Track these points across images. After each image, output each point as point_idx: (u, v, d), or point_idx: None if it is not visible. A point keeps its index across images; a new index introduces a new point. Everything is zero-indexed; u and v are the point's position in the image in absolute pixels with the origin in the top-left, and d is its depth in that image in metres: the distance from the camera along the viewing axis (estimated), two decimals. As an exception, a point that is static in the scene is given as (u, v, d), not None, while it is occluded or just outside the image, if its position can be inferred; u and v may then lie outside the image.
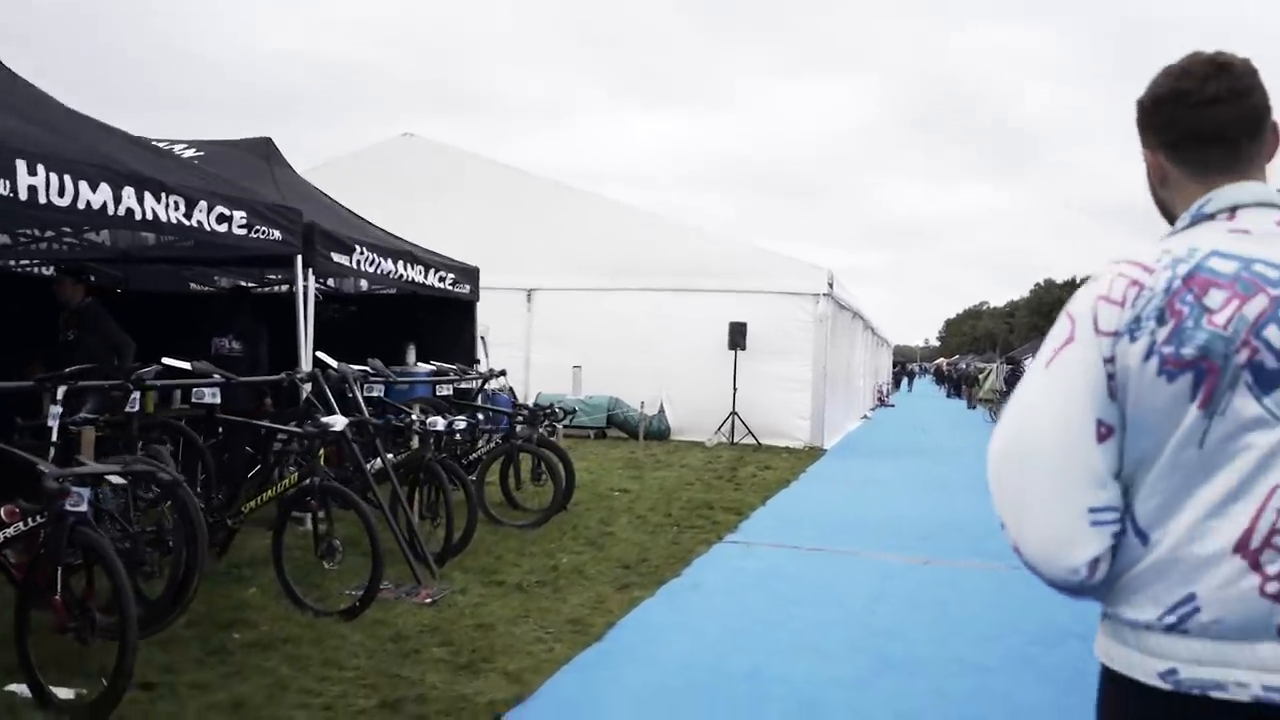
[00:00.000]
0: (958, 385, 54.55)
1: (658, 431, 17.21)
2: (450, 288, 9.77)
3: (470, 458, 8.24)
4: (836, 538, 8.32)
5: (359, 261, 8.13)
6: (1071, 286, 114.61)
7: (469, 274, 10.28)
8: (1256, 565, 1.38)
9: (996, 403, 28.23)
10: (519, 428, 8.53)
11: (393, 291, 10.69)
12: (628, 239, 17.70)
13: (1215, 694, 1.39)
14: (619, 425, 17.24)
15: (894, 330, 48.76)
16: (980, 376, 45.79)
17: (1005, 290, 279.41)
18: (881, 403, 36.12)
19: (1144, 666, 1.46)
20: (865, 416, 27.98)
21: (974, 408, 29.92)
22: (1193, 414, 1.41)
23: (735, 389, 16.73)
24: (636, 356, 17.47)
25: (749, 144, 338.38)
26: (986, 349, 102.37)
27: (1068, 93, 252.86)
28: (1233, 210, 1.50)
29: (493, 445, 8.35)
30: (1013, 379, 28.13)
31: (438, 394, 9.64)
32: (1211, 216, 1.51)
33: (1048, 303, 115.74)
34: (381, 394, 7.53)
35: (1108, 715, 1.56)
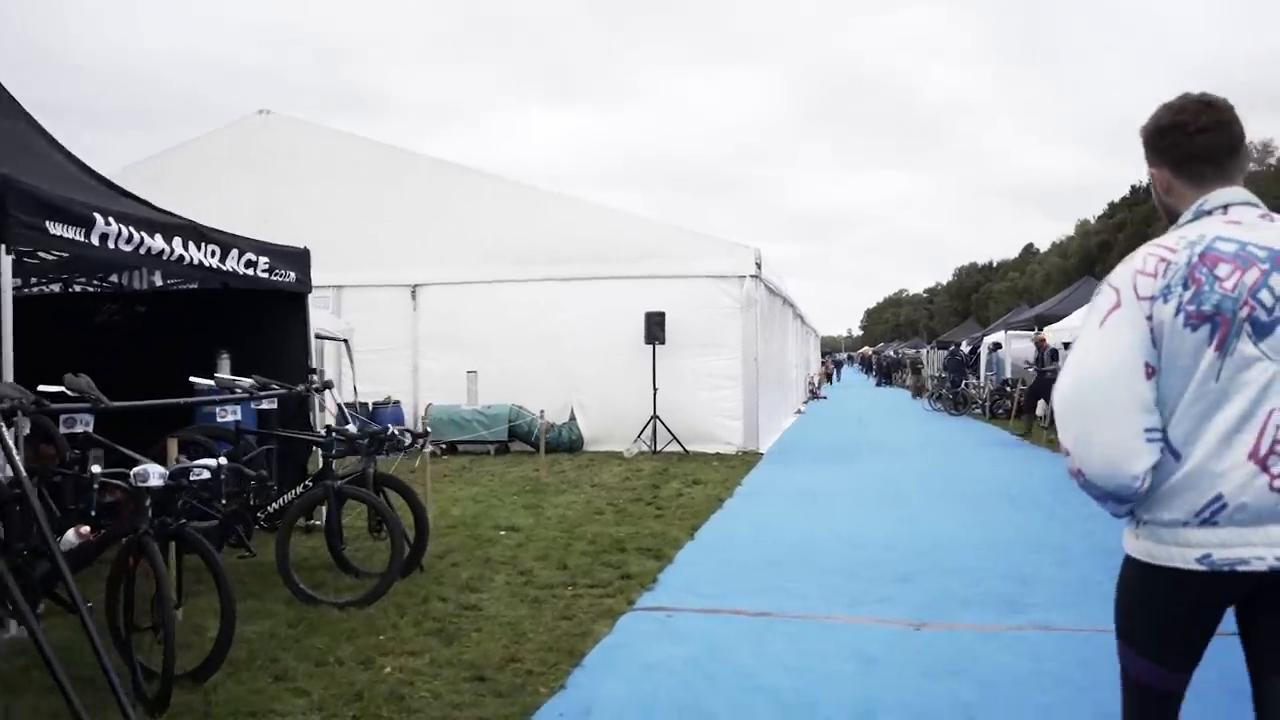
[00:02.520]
0: (887, 373, 53.42)
1: (568, 443, 14.90)
2: (265, 275, 7.33)
3: (270, 509, 5.83)
4: (789, 587, 6.14)
5: (106, 237, 5.63)
6: (990, 270, 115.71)
7: (293, 259, 7.85)
8: (1265, 468, 1.95)
9: (937, 389, 26.57)
10: (353, 458, 6.16)
11: (195, 286, 8.24)
12: (524, 222, 15.36)
13: (1240, 568, 1.95)
14: (523, 438, 14.89)
15: (818, 321, 47.15)
16: (913, 363, 44.55)
17: (922, 277, 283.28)
18: (814, 395, 34.39)
19: (1183, 556, 2.00)
20: (799, 411, 26.08)
21: (920, 397, 28.16)
22: (1210, 355, 1.99)
23: (655, 389, 14.51)
24: (540, 357, 15.17)
25: (657, 138, 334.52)
26: (909, 335, 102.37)
27: (967, 76, 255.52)
28: (1226, 207, 2.11)
29: (301, 491, 5.92)
30: (951, 363, 26.50)
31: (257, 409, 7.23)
32: (1210, 212, 2.11)
33: (968, 286, 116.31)
34: (89, 428, 5.02)
35: (1141, 595, 2.11)
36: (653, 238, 15.05)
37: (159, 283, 8.42)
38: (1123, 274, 2.08)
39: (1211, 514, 1.98)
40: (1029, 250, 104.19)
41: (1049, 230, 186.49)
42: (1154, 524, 2.04)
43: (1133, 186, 74.67)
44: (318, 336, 11.31)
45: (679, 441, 14.54)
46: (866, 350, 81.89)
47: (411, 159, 16.04)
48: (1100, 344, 2.05)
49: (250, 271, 7.15)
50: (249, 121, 16.28)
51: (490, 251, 15.34)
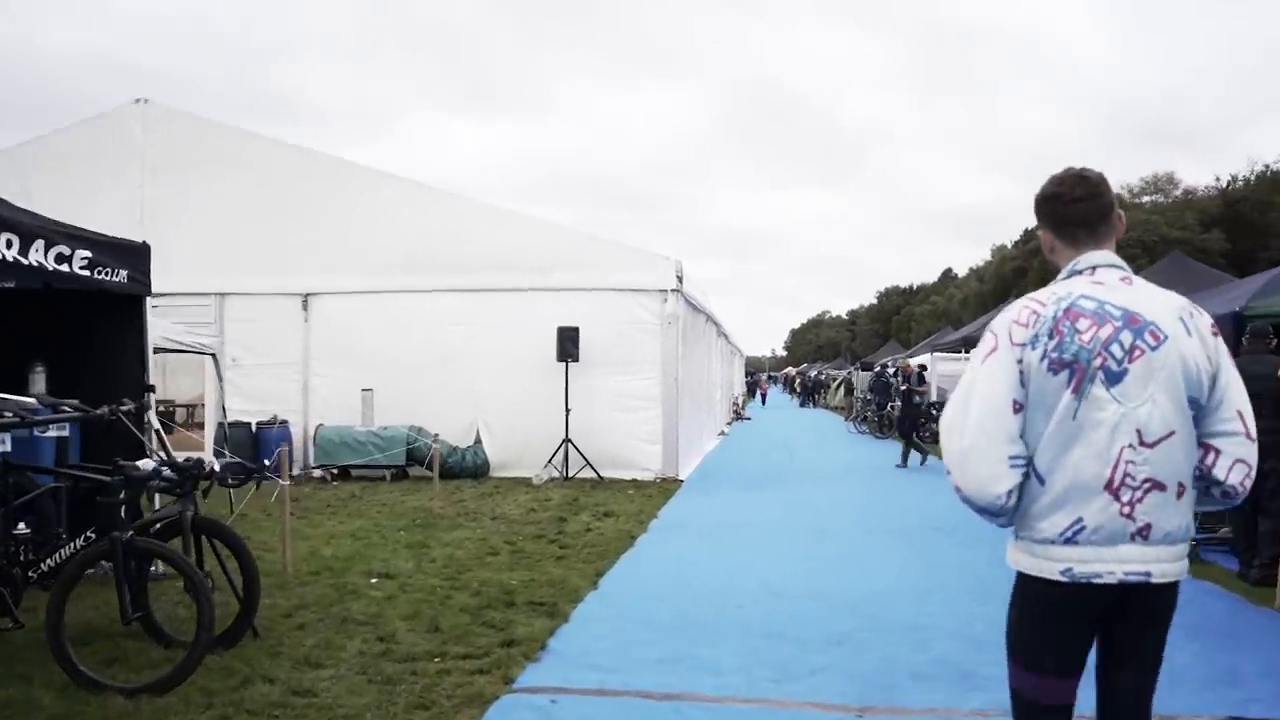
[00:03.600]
0: (811, 394, 53.15)
1: (472, 468, 13.71)
2: (84, 273, 6.07)
3: (48, 564, 4.58)
4: (704, 655, 5.11)
5: None
6: (910, 293, 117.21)
7: (125, 253, 6.59)
8: (1117, 497, 2.26)
9: (862, 411, 25.96)
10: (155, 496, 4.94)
11: (10, 284, 6.89)
12: (428, 228, 14.18)
13: (1095, 580, 2.27)
14: (422, 462, 13.65)
15: (742, 340, 46.55)
16: (834, 385, 44.26)
17: (844, 298, 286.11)
18: (738, 416, 33.65)
19: (1050, 568, 2.31)
20: (722, 432, 25.24)
21: (852, 420, 27.32)
22: (1068, 397, 2.28)
23: (568, 410, 13.43)
24: (443, 375, 13.98)
25: (579, 152, 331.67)
26: (832, 356, 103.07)
27: (887, 100, 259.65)
28: (1094, 269, 2.42)
29: (85, 546, 4.65)
30: (877, 385, 25.95)
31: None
32: (1080, 272, 2.42)
33: (889, 309, 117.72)
34: None
35: (1022, 606, 2.42)
36: (567, 247, 14.00)
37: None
38: (1001, 322, 2.38)
39: (1073, 534, 2.27)
40: (948, 274, 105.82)
41: (967, 255, 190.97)
42: (1028, 540, 2.35)
43: (1048, 213, 76.13)
44: (177, 350, 9.99)
45: (592, 467, 13.47)
46: (790, 371, 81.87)
47: (305, 155, 14.71)
48: (980, 382, 2.34)
49: (63, 268, 5.88)
50: (125, 111, 14.76)
51: (390, 259, 14.10)
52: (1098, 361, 2.25)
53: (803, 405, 52.50)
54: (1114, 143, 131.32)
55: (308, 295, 14.38)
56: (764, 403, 52.59)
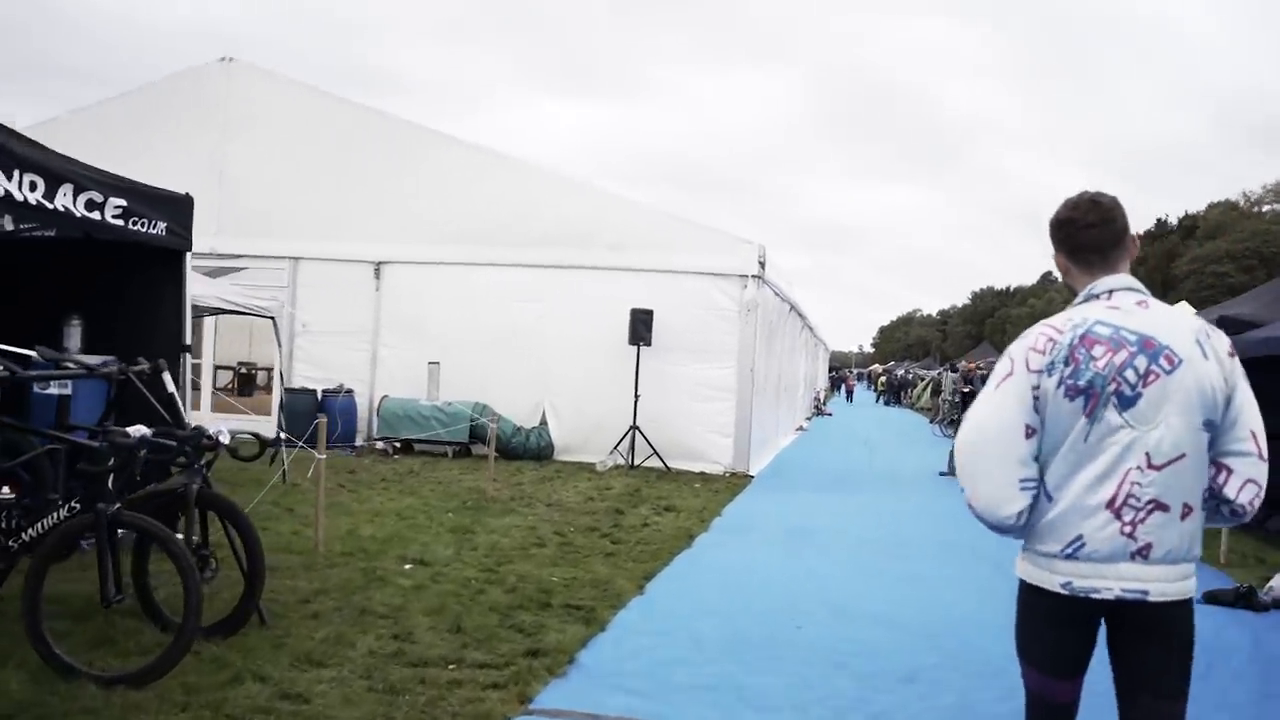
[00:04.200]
0: (896, 393, 51.60)
1: (535, 450, 13.26)
2: (118, 223, 5.71)
3: (30, 533, 4.18)
4: (753, 685, 4.49)
5: None
6: (1006, 295, 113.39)
7: (165, 205, 6.22)
8: (1118, 516, 2.32)
9: (949, 414, 24.79)
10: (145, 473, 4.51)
11: (50, 233, 6.60)
12: (503, 199, 13.75)
13: (1093, 595, 2.35)
14: (486, 440, 13.25)
15: (827, 335, 45.34)
16: (921, 385, 42.85)
17: (936, 297, 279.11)
18: (819, 411, 32.70)
19: (1051, 580, 2.40)
20: (801, 428, 24.39)
21: (938, 422, 25.97)
22: (1082, 420, 2.35)
23: (637, 396, 12.87)
24: (512, 352, 13.56)
25: (669, 136, 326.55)
26: (921, 355, 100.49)
27: (990, 93, 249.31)
28: (1110, 293, 2.46)
29: (65, 517, 4.23)
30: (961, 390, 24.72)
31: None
32: (1097, 296, 2.47)
33: (981, 311, 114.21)
34: None
35: (1025, 612, 2.51)
36: (644, 225, 13.40)
37: (8, 226, 6.80)
38: (1019, 348, 2.46)
39: (1074, 550, 2.36)
40: (1047, 277, 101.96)
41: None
42: (1034, 552, 2.45)
43: (1159, 220, 72.61)
44: (235, 311, 9.73)
45: (659, 456, 12.89)
46: (876, 368, 79.94)
47: (382, 120, 14.39)
48: (994, 406, 2.44)
49: (93, 215, 5.53)
50: (210, 69, 14.67)
51: (462, 230, 13.72)
52: (1112, 387, 2.31)
53: (887, 404, 51.02)
54: (1232, 145, 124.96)
55: (380, 264, 14.09)
56: (850, 399, 51.12)
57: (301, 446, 6.56)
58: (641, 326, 12.75)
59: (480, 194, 13.79)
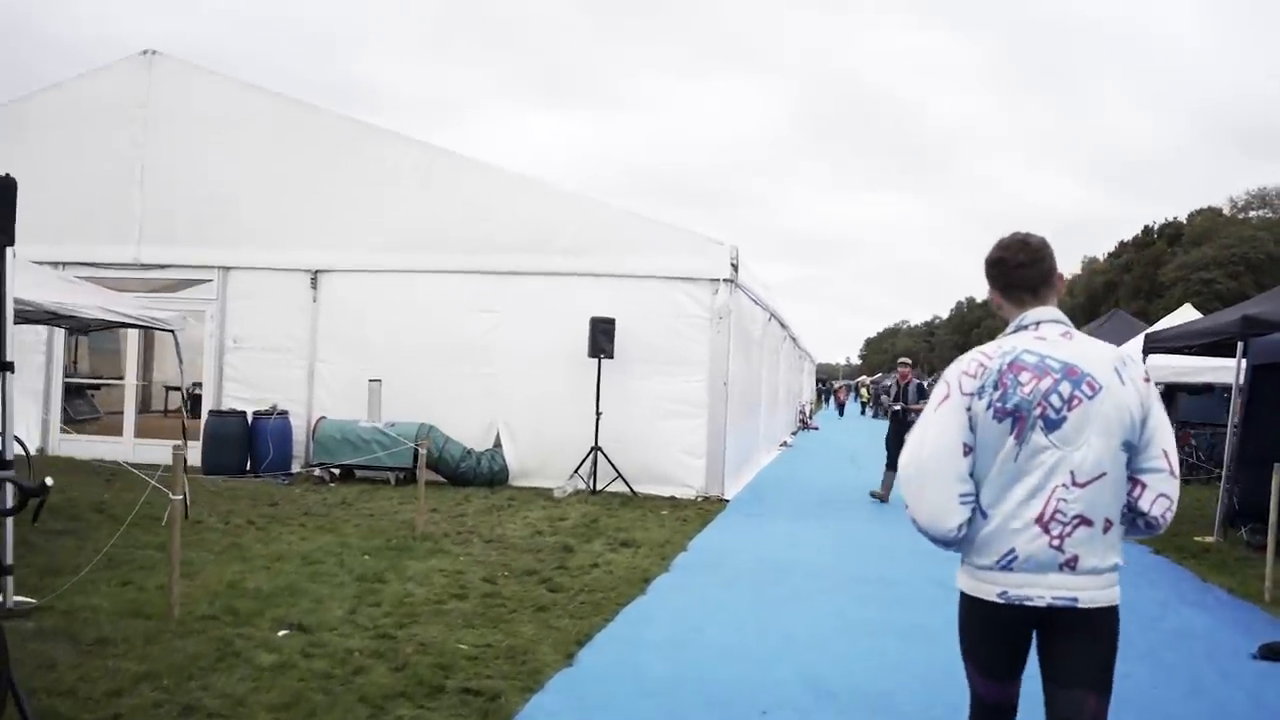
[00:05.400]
0: (879, 402, 50.49)
1: (488, 475, 12.02)
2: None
3: None
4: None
5: None
6: (987, 306, 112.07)
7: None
8: (1046, 530, 2.46)
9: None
10: None
11: None
12: (450, 199, 12.57)
13: (1027, 603, 2.48)
14: (433, 466, 12.01)
15: (814, 346, 44.17)
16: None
17: (923, 308, 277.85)
18: (805, 425, 31.53)
19: (988, 590, 2.53)
20: (785, 443, 23.19)
21: None
22: (1010, 441, 2.49)
23: (599, 414, 11.65)
24: (462, 367, 12.36)
25: (650, 147, 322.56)
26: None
27: (973, 101, 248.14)
28: (1038, 324, 2.62)
29: None
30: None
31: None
32: (1025, 327, 2.63)
33: (969, 321, 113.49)
34: None
35: (965, 621, 2.67)
36: (606, 226, 12.22)
37: None
38: (954, 372, 2.61)
39: (1008, 562, 2.50)
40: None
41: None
42: (972, 565, 2.59)
43: (1146, 226, 71.87)
44: (130, 325, 8.48)
45: (625, 480, 11.67)
46: (864, 378, 78.89)
47: (317, 115, 13.18)
48: (934, 427, 2.58)
49: None
50: (131, 63, 13.45)
51: (409, 233, 12.53)
52: (1038, 410, 2.48)
53: (874, 416, 49.91)
54: (1217, 151, 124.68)
55: (317, 272, 12.85)
56: (841, 413, 49.82)
57: (37, 498, 5.31)
58: (603, 337, 11.54)
59: (427, 195, 12.59)
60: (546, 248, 12.15)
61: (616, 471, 11.67)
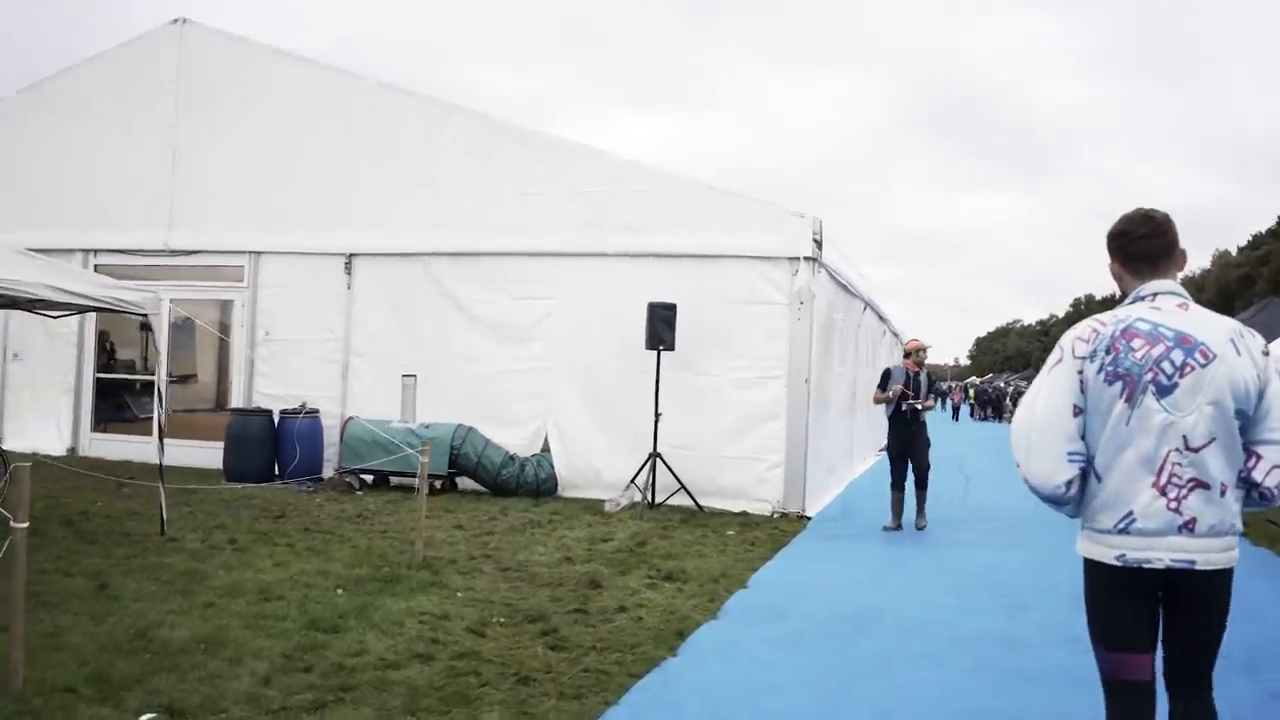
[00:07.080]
0: (998, 407, 47.39)
1: (533, 484, 10.54)
2: None
3: None
4: None
5: None
6: (1112, 303, 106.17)
7: None
8: (1164, 493, 2.54)
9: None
10: None
11: None
12: (493, 173, 11.14)
13: (1145, 565, 2.56)
14: (469, 472, 10.59)
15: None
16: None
17: (1035, 308, 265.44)
18: (906, 429, 29.17)
19: (1107, 554, 2.62)
20: (883, 449, 21.10)
21: None
22: (1121, 405, 2.59)
23: (657, 415, 10.03)
24: (508, 362, 10.95)
25: (746, 147, 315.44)
26: (1021, 368, 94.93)
27: (1086, 92, 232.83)
28: (1154, 295, 2.71)
29: None
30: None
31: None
32: (1143, 298, 2.72)
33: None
34: None
35: (1089, 588, 2.71)
36: (667, 198, 10.57)
37: None
38: (1068, 338, 2.73)
39: (1126, 525, 2.59)
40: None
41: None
42: (1092, 530, 2.68)
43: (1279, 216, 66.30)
44: (104, 309, 7.26)
45: (689, 493, 10.03)
46: (973, 380, 75.02)
47: (356, 83, 11.94)
48: (1046, 388, 2.69)
49: None
50: (161, 34, 12.47)
51: (452, 212, 11.16)
52: (1149, 376, 2.56)
53: (982, 419, 46.92)
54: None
55: (351, 255, 11.60)
56: (955, 416, 46.77)
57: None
58: (662, 325, 9.92)
59: (472, 169, 11.19)
60: (604, 224, 10.61)
61: (679, 482, 10.04)
